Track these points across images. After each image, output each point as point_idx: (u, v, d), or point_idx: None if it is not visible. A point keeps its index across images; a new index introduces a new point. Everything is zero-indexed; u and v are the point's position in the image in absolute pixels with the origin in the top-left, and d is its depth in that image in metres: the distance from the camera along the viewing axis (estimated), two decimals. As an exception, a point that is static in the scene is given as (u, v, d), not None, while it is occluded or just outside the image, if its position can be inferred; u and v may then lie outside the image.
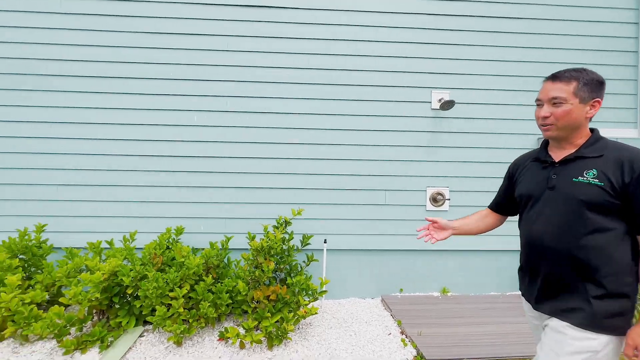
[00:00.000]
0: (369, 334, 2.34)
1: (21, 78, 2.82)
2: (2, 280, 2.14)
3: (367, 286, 3.05)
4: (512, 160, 1.39)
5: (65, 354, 2.00)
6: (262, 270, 2.23)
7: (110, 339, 2.11)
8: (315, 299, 2.35)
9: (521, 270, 1.27)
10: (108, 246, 2.52)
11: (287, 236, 2.54)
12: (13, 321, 2.03)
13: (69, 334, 2.08)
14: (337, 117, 3.01)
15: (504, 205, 1.39)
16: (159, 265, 2.28)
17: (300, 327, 2.40)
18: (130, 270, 2.14)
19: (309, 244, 2.66)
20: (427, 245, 2.98)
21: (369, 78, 3.03)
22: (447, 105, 2.89)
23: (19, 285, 2.11)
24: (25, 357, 1.99)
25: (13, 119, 2.81)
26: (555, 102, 1.07)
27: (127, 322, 2.19)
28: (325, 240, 2.87)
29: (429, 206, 3.05)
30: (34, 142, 2.83)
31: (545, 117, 1.10)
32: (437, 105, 3.01)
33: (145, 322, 2.33)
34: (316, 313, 2.22)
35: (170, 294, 2.11)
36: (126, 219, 2.84)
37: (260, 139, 2.97)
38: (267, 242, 2.26)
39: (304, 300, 2.26)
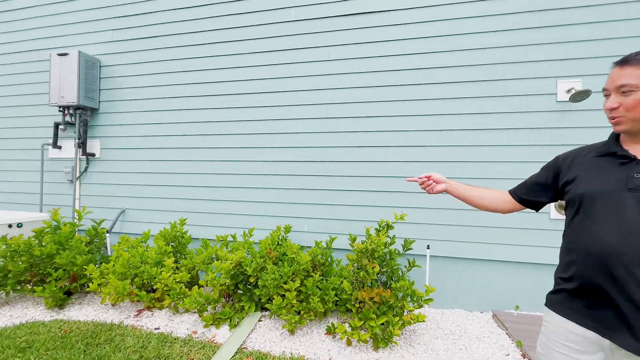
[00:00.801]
0: (482, 351, 2.16)
1: (171, 101, 3.54)
2: (161, 262, 2.72)
3: (474, 298, 2.82)
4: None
5: (205, 326, 2.41)
6: (367, 272, 2.28)
7: (236, 320, 2.47)
8: (420, 306, 2.28)
9: (567, 292, 1.01)
10: (232, 239, 2.95)
11: (388, 240, 2.54)
12: (168, 295, 2.57)
13: (207, 310, 2.51)
14: (440, 118, 2.88)
15: (529, 194, 1.21)
16: (274, 259, 2.56)
17: (405, 332, 2.37)
18: (252, 262, 2.46)
19: (410, 248, 2.60)
20: (547, 259, 2.61)
21: (473, 73, 2.80)
22: (580, 95, 2.46)
23: (172, 267, 2.65)
24: (177, 324, 2.48)
25: (167, 134, 3.56)
26: (624, 90, 0.90)
27: (249, 307, 2.52)
28: (428, 246, 2.77)
29: (554, 214, 2.64)
30: (178, 152, 3.51)
31: (613, 109, 0.93)
32: (565, 96, 2.59)
33: (262, 309, 2.65)
34: (424, 321, 2.16)
35: (285, 286, 2.34)
36: (245, 217, 3.27)
37: (358, 143, 3.05)
38: (372, 245, 2.30)
39: (409, 306, 2.23)
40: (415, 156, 2.92)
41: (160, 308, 2.68)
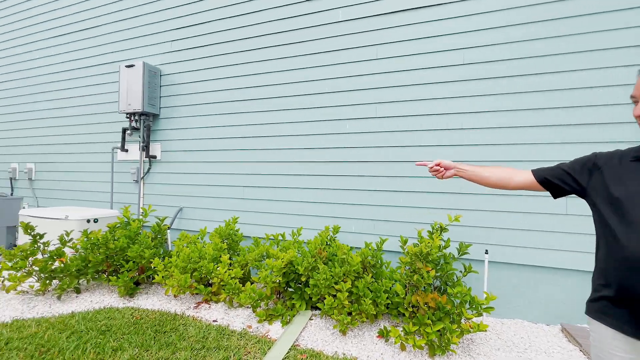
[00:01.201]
0: (552, 367, 1.99)
1: (223, 105, 3.74)
2: (217, 258, 2.87)
3: (538, 309, 2.60)
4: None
5: (258, 322, 2.50)
6: (421, 276, 2.21)
7: (288, 317, 2.52)
8: (480, 314, 2.16)
9: (607, 299, 0.98)
10: (282, 239, 3.03)
11: (443, 243, 2.44)
12: (224, 289, 2.71)
13: (260, 306, 2.60)
14: (504, 114, 2.70)
15: (552, 177, 1.19)
16: (324, 259, 2.58)
17: (463, 341, 2.25)
18: (303, 261, 2.50)
19: (466, 253, 2.47)
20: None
21: (546, 64, 2.58)
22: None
23: (227, 263, 2.79)
24: (233, 317, 2.60)
25: (220, 136, 3.76)
26: None
27: (300, 305, 2.57)
28: (486, 250, 2.61)
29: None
30: (230, 154, 3.69)
31: None
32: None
33: (313, 307, 2.68)
34: (485, 330, 2.04)
35: (336, 287, 2.35)
36: (293, 217, 3.34)
37: (407, 143, 2.97)
38: (426, 248, 2.22)
39: (468, 314, 2.11)
40: (471, 155, 2.77)
41: (217, 301, 2.83)
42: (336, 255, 2.59)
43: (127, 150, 4.26)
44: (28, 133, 5.19)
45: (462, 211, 2.69)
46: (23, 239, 3.62)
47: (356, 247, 2.89)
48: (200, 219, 3.86)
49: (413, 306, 2.28)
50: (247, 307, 2.75)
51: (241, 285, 2.72)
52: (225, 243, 3.03)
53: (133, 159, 4.25)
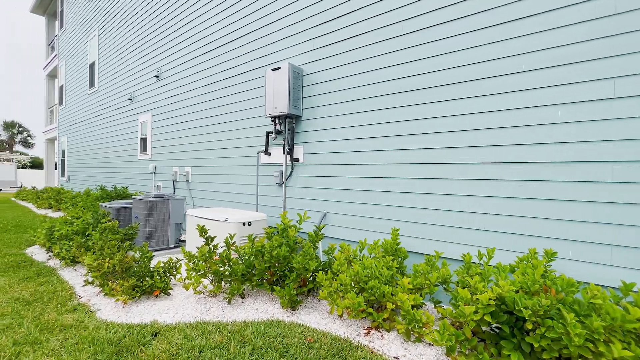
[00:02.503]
0: None
1: (368, 101, 3.33)
2: (388, 278, 2.44)
3: None
4: None
5: (457, 371, 1.95)
6: None
7: (500, 372, 1.89)
8: None
9: None
10: (477, 261, 2.40)
11: None
12: (397, 315, 2.25)
13: (456, 349, 2.04)
14: None
15: None
16: (554, 300, 1.85)
17: None
18: (524, 299, 1.83)
19: None
20: None
21: None
22: None
23: (408, 288, 2.32)
24: (415, 357, 2.11)
25: (365, 136, 3.37)
26: None
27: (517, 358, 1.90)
28: None
29: None
30: (377, 155, 3.25)
31: None
32: None
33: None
34: None
35: (593, 348, 1.60)
36: (475, 232, 2.68)
37: None
38: None
39: None
40: None
41: (388, 329, 2.40)
42: (568, 295, 1.83)
43: (270, 154, 4.31)
44: (186, 140, 5.92)
45: None
46: (190, 236, 3.98)
47: (585, 283, 2.05)
48: (345, 226, 3.56)
49: None
50: (429, 343, 2.23)
51: (421, 314, 2.22)
52: (395, 262, 2.58)
53: (275, 162, 4.27)
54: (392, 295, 2.29)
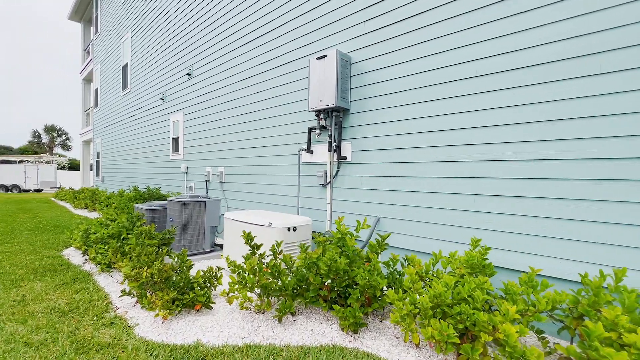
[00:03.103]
0: None
1: (427, 90, 2.86)
2: (473, 297, 1.98)
3: None
4: None
5: None
6: None
7: None
8: None
9: None
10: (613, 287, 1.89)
11: None
12: (492, 348, 1.78)
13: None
14: None
15: None
16: None
17: None
18: None
19: None
20: None
21: None
22: None
23: (514, 318, 1.85)
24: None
25: (427, 129, 2.91)
26: None
27: None
28: None
29: None
30: (444, 151, 2.78)
31: None
32: None
33: None
34: None
35: None
36: (591, 246, 2.15)
37: None
38: None
39: None
40: None
41: (479, 366, 1.94)
42: None
43: (312, 152, 3.94)
44: (219, 139, 5.68)
45: None
46: (228, 240, 3.68)
47: None
48: (404, 232, 3.12)
49: None
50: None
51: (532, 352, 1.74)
52: (488, 281, 2.11)
53: (318, 161, 3.89)
54: (489, 324, 1.82)
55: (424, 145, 2.97)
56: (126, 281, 2.85)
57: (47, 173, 23.75)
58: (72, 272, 3.63)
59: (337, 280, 2.36)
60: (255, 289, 2.50)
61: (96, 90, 13.29)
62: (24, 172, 22.80)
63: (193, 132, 6.47)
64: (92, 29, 14.11)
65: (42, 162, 25.70)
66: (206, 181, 5.97)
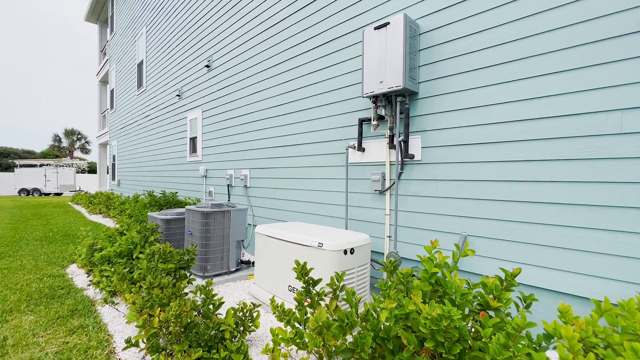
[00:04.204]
0: None
1: (526, 63, 1.99)
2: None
3: None
4: None
5: None
6: None
7: None
8: None
9: None
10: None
11: None
12: None
13: None
14: None
15: None
16: None
17: None
18: None
19: None
20: None
21: None
22: None
23: None
24: None
25: (528, 116, 2.04)
26: None
27: None
28: None
29: None
30: (552, 146, 1.90)
31: None
32: None
33: None
34: None
35: None
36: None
37: None
38: None
39: None
40: None
41: None
42: None
43: (364, 150, 3.13)
44: (242, 138, 4.95)
45: None
46: (262, 262, 2.90)
47: None
48: (500, 257, 2.27)
49: None
50: None
51: None
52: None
53: (373, 161, 3.08)
54: None
55: (535, 138, 2.12)
56: (132, 322, 2.13)
57: (67, 176, 23.87)
58: (71, 300, 2.96)
59: (437, 335, 1.53)
60: (314, 349, 1.71)
61: (112, 91, 12.92)
62: (45, 175, 22.96)
63: (212, 130, 5.78)
64: (108, 29, 13.80)
65: (62, 166, 25.93)
66: (228, 185, 5.25)
